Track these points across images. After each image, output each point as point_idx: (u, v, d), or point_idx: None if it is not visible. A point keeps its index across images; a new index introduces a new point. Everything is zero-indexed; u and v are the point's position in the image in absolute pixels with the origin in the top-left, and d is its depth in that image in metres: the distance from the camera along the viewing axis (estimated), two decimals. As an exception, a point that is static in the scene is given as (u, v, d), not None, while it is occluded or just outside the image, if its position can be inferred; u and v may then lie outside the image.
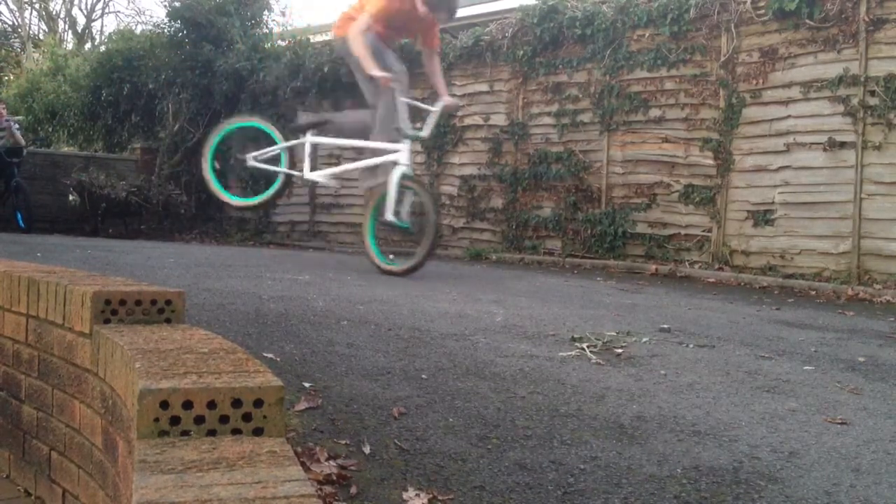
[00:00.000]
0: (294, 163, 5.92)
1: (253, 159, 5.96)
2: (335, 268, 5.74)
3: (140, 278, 3.30)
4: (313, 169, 5.99)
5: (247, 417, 1.33)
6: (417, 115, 5.84)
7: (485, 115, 8.62)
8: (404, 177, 5.09)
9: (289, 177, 5.93)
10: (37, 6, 24.31)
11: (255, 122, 6.28)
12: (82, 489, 2.11)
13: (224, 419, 1.32)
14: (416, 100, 5.76)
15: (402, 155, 5.16)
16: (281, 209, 10.90)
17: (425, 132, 5.40)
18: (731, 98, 6.76)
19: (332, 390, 2.22)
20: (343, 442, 1.84)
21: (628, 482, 1.72)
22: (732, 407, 2.35)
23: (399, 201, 5.10)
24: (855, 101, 6.04)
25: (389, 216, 5.01)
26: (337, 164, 6.72)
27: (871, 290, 5.67)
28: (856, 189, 6.03)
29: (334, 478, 1.62)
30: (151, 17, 34.47)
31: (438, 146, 9.02)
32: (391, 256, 5.50)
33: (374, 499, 1.57)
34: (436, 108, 5.47)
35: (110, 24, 39.84)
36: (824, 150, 6.21)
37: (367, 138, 5.58)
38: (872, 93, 5.97)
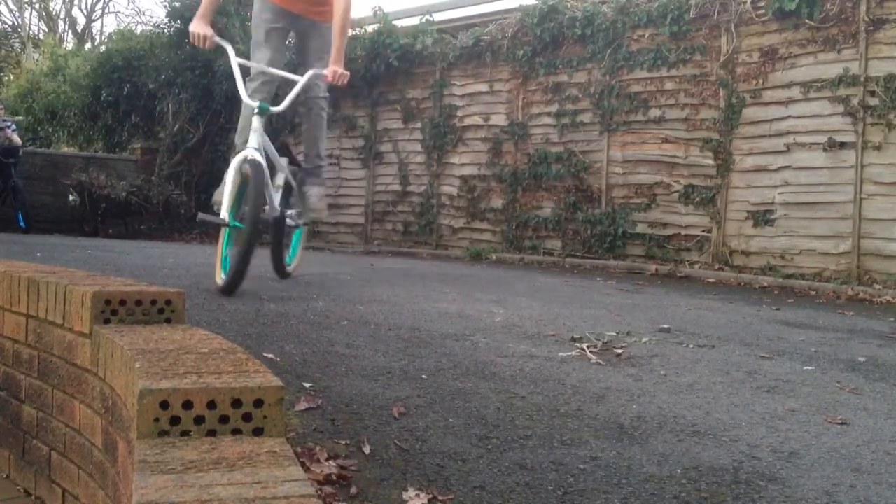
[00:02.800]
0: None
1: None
2: (335, 267, 5.74)
3: (140, 278, 3.30)
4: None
5: (247, 417, 1.33)
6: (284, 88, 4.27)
7: (485, 115, 8.63)
8: (244, 162, 3.71)
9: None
10: (37, 6, 24.32)
11: None
12: (82, 489, 2.11)
13: (224, 419, 1.32)
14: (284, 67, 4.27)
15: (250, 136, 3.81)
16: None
17: (281, 106, 3.89)
18: (731, 98, 6.76)
19: (332, 390, 2.22)
20: (343, 442, 1.84)
21: (628, 482, 1.72)
22: (732, 407, 2.35)
23: (240, 193, 3.76)
24: (855, 102, 6.04)
25: (223, 213, 3.62)
26: None
27: (871, 290, 5.67)
28: (856, 189, 6.03)
29: (334, 478, 1.62)
30: (151, 17, 34.49)
31: (438, 146, 9.03)
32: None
33: (374, 499, 1.57)
34: (301, 79, 3.96)
35: (110, 25, 39.86)
36: (824, 150, 6.22)
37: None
38: (872, 93, 5.97)
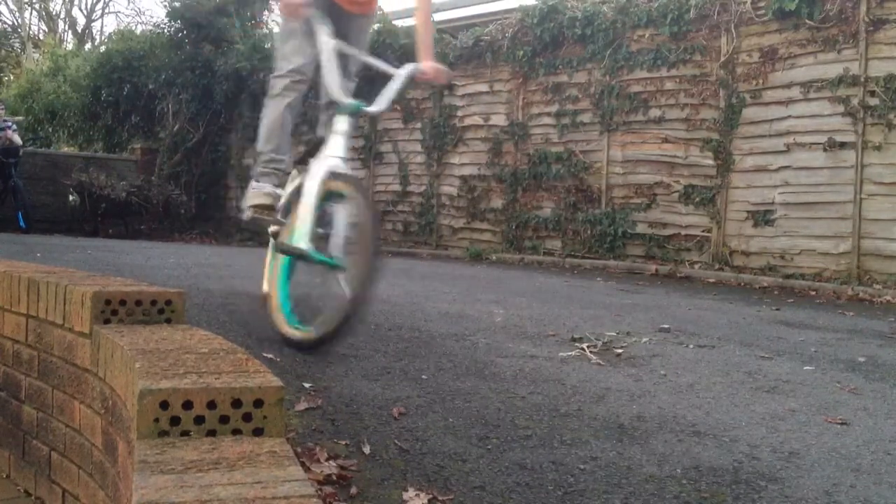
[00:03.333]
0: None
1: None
2: (335, 268, 5.73)
3: (140, 279, 3.30)
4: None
5: (247, 417, 1.33)
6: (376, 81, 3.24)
7: (485, 115, 8.63)
8: (331, 176, 2.78)
9: None
10: (37, 6, 24.34)
11: None
12: (82, 489, 2.11)
13: (224, 419, 1.32)
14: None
15: (330, 142, 2.88)
16: (281, 209, 10.90)
17: (377, 105, 2.96)
18: (731, 98, 6.76)
19: (332, 390, 2.22)
20: (343, 442, 1.84)
21: (628, 482, 1.72)
22: (732, 407, 2.35)
23: (321, 217, 2.80)
24: (855, 102, 6.04)
25: (302, 243, 2.69)
26: None
27: (871, 290, 5.67)
28: (856, 189, 6.03)
29: (334, 478, 1.62)
30: (151, 17, 34.57)
31: (438, 146, 9.03)
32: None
33: (374, 499, 1.57)
34: (401, 72, 3.04)
35: (110, 25, 39.88)
36: (824, 150, 6.22)
37: None
38: (872, 93, 5.97)
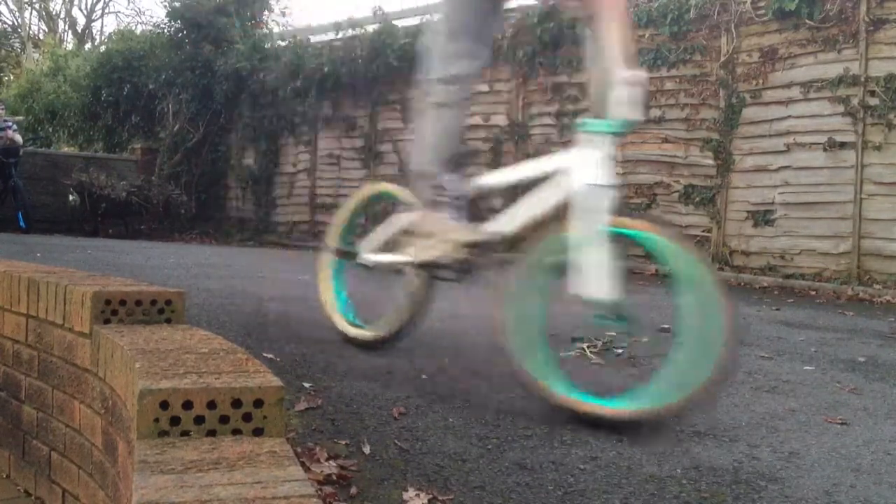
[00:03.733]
0: None
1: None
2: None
3: (140, 278, 3.30)
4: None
5: (247, 417, 1.33)
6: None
7: (485, 115, 8.63)
8: (617, 212, 2.17)
9: None
10: (37, 6, 24.34)
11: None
12: (82, 489, 2.11)
13: (224, 419, 1.32)
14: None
15: (581, 159, 2.20)
16: (281, 209, 10.91)
17: (638, 114, 2.18)
18: (731, 98, 6.76)
19: (332, 390, 2.21)
20: (343, 442, 1.84)
21: (628, 482, 1.72)
22: (732, 407, 2.35)
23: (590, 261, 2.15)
24: (855, 102, 6.04)
25: (607, 294, 2.12)
26: None
27: (871, 290, 5.67)
28: (856, 189, 6.03)
29: (334, 478, 1.62)
30: (151, 17, 34.52)
31: (438, 146, 9.02)
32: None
33: (374, 499, 1.57)
34: (640, 77, 2.23)
35: (110, 25, 39.81)
36: (824, 150, 6.22)
37: None
38: (872, 93, 5.97)
